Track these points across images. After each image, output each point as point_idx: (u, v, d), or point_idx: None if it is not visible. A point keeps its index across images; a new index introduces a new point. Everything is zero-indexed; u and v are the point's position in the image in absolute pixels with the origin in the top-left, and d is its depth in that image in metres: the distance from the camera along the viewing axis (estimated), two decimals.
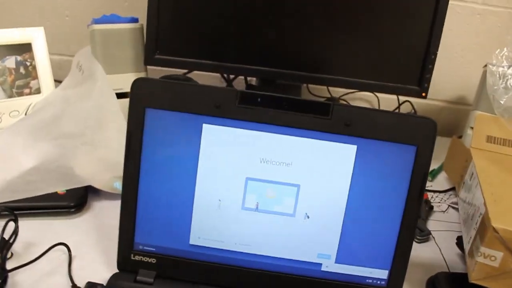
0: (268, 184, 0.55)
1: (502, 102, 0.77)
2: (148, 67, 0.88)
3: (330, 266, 0.57)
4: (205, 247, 0.58)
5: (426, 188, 0.86)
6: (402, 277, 0.57)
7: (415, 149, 0.54)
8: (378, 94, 1.06)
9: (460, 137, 0.92)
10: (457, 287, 0.62)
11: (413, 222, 0.56)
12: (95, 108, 0.78)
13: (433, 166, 0.93)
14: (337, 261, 0.57)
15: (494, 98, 0.79)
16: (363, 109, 0.54)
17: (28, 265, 0.59)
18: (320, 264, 0.57)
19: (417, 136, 0.54)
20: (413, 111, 1.01)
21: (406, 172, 0.55)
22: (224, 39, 0.82)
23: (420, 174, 0.55)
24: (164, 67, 0.83)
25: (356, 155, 0.54)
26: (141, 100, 0.55)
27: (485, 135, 0.78)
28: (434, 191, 0.86)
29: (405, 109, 1.04)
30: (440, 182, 0.90)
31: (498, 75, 0.81)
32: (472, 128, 0.82)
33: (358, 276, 0.57)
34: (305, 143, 0.54)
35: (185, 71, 0.94)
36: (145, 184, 0.57)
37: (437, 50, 0.81)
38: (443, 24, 0.80)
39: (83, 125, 0.77)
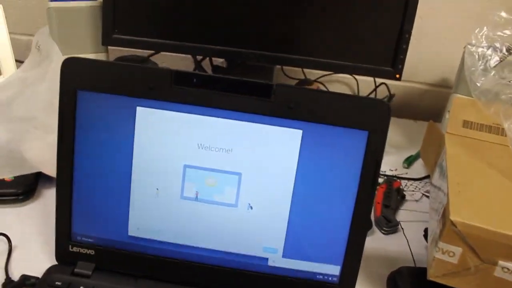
0: (207, 172, 0.51)
1: (479, 84, 0.72)
2: (111, 47, 0.84)
3: (277, 260, 0.53)
4: (144, 238, 0.54)
5: (400, 175, 0.82)
6: (355, 272, 0.53)
7: (366, 134, 0.50)
8: (357, 77, 1.01)
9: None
10: (420, 283, 0.58)
11: (366, 214, 0.52)
12: (48, 90, 0.74)
13: (411, 152, 0.88)
14: (285, 255, 0.53)
15: (471, 80, 0.74)
16: (309, 90, 0.49)
17: None
18: (266, 259, 0.53)
19: (369, 120, 0.49)
20: (388, 94, 0.96)
21: (357, 159, 0.50)
22: (185, 17, 0.77)
23: (372, 162, 0.50)
24: (123, 47, 0.79)
25: (301, 140, 0.50)
26: (72, 82, 0.51)
27: (461, 119, 0.73)
28: (409, 179, 0.81)
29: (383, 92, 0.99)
30: (417, 169, 0.85)
31: (477, 56, 0.76)
32: (449, 112, 0.77)
33: (307, 272, 0.53)
34: (245, 128, 0.50)
35: (151, 52, 0.89)
36: (80, 171, 0.53)
37: (411, 28, 0.75)
38: (417, 1, 0.74)
39: (34, 108, 0.73)
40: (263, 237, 0.53)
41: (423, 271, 0.60)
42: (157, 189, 0.52)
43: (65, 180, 0.54)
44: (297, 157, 0.50)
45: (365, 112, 0.49)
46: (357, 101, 0.50)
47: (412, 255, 0.65)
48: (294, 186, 0.51)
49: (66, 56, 0.76)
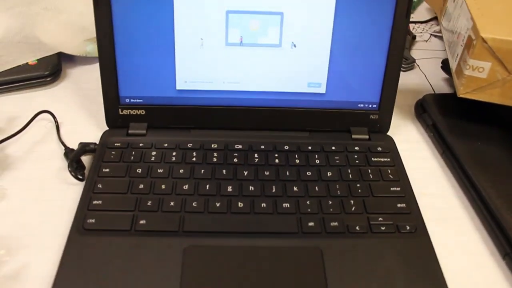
0: (249, 15, 0.53)
1: None
2: None
3: (321, 95, 0.57)
4: (193, 90, 0.56)
5: None
6: (392, 99, 0.57)
7: None
8: None
9: None
10: (444, 106, 0.63)
11: (402, 41, 0.55)
12: None
13: None
14: (328, 88, 0.56)
15: None
16: None
17: (15, 136, 0.57)
18: (312, 94, 0.57)
19: None
20: None
21: None
22: None
23: None
24: None
25: None
26: None
27: None
28: (416, 22, 0.84)
29: None
30: (421, 13, 0.88)
31: None
32: None
33: (350, 102, 0.57)
34: None
35: None
36: (121, 33, 0.53)
37: None
38: None
39: None
40: (308, 73, 0.55)
41: (444, 96, 0.66)
42: (201, 39, 0.54)
43: (106, 45, 0.54)
44: None
45: None
46: None
47: (431, 86, 0.70)
48: (333, 22, 0.53)
49: None
